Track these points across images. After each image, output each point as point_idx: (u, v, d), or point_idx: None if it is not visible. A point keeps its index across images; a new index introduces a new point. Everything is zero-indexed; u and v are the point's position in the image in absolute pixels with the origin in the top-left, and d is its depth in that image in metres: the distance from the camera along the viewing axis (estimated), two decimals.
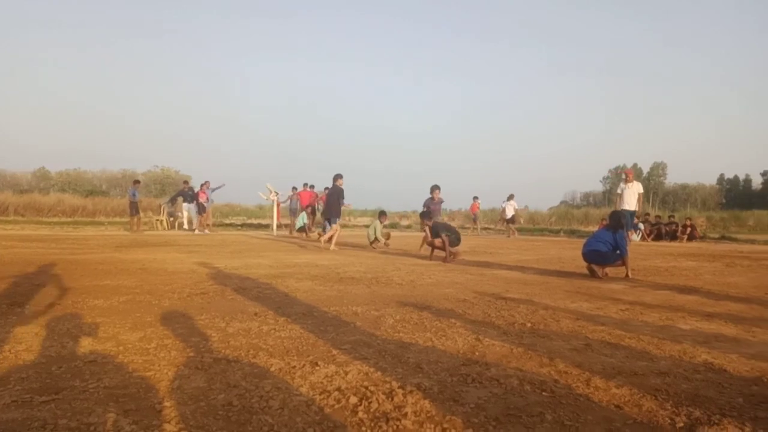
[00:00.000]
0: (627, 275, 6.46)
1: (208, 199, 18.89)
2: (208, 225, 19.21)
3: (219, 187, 19.68)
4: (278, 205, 19.22)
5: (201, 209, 18.65)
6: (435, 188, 11.41)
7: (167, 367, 2.44)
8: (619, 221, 6.85)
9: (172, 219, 20.73)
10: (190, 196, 19.51)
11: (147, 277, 5.66)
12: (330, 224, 11.32)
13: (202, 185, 19.17)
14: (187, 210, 19.82)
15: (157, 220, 20.80)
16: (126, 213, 21.97)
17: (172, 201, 21.38)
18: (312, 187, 18.90)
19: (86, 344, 2.83)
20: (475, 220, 23.31)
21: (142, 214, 19.73)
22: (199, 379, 2.26)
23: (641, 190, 11.52)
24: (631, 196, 11.40)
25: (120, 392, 2.08)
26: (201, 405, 1.96)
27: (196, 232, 17.88)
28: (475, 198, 22.84)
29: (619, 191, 11.69)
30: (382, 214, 11.83)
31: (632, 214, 11.87)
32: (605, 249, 6.40)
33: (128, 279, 5.51)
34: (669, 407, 2.02)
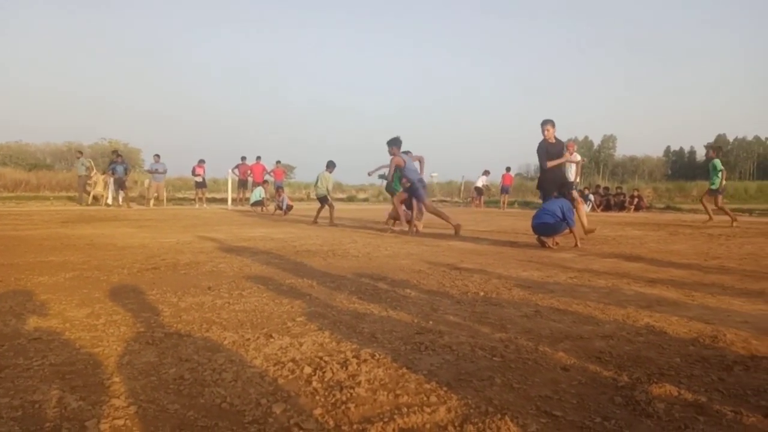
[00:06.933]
0: (576, 245, 6.68)
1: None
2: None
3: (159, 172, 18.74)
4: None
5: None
6: None
7: (116, 342, 2.38)
8: (562, 189, 7.09)
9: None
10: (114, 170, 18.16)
11: (95, 253, 5.49)
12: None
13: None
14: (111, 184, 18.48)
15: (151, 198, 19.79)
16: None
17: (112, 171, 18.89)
18: (258, 158, 19.70)
19: (31, 322, 2.73)
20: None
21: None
22: (150, 354, 2.22)
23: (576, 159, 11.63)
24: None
25: (66, 369, 2.02)
26: (151, 379, 1.93)
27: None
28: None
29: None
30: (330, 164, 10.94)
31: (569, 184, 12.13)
32: (552, 220, 6.56)
33: (75, 255, 5.32)
34: (612, 368, 2.11)
